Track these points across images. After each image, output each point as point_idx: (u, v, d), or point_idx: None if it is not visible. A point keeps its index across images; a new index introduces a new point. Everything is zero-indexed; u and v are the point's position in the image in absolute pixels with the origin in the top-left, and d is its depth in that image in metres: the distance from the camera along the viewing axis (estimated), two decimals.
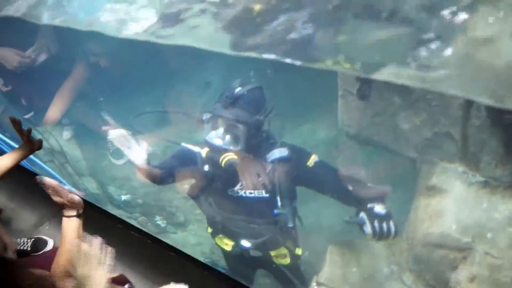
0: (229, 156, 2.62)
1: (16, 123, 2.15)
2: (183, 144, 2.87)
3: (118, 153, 4.82)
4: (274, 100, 2.91)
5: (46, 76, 4.04)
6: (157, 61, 4.32)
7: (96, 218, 2.92)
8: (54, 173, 4.66)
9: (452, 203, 2.37)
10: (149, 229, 4.56)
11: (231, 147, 2.63)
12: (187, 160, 2.87)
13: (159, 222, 4.66)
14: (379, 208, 2.43)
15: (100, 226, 2.53)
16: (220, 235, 3.08)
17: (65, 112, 4.17)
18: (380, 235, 2.36)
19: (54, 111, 4.06)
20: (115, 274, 2.12)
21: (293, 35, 2.31)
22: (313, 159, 2.68)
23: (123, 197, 4.80)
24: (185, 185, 3.13)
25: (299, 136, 3.93)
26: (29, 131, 2.14)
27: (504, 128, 2.38)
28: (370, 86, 2.96)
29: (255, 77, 2.80)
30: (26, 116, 4.59)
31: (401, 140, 2.88)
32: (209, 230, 3.17)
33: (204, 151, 2.75)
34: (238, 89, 2.63)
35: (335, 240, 3.12)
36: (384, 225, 2.37)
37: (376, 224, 2.37)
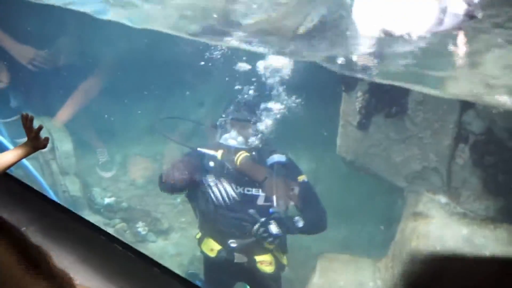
0: (244, 154, 3.01)
1: (28, 120, 2.04)
2: (198, 148, 3.16)
3: (107, 166, 4.91)
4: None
5: (52, 81, 4.09)
6: (158, 72, 4.53)
7: (77, 229, 2.79)
8: (34, 171, 4.56)
9: (437, 228, 2.76)
10: (126, 237, 4.58)
11: (244, 146, 3.05)
12: (197, 162, 3.15)
13: (140, 229, 4.68)
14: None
15: (81, 237, 2.50)
16: (208, 238, 3.24)
17: (75, 114, 4.22)
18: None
19: (65, 112, 4.10)
20: None
21: None
22: (302, 178, 3.10)
23: (107, 200, 4.81)
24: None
25: (296, 156, 4.23)
26: (40, 128, 2.16)
27: (483, 168, 2.83)
28: (369, 120, 3.36)
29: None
30: (9, 120, 4.52)
31: (392, 170, 3.27)
32: (198, 235, 3.34)
33: (219, 153, 3.07)
34: (245, 96, 3.18)
35: (318, 255, 3.38)
36: None
37: None
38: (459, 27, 2.17)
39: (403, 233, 2.96)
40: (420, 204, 2.99)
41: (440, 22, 2.12)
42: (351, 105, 3.39)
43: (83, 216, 4.04)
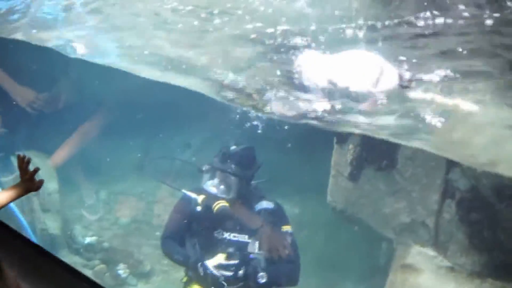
0: (222, 204, 3.07)
1: (24, 162, 2.09)
2: (183, 190, 3.25)
3: (93, 208, 4.82)
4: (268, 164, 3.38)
5: (46, 119, 4.08)
6: (147, 112, 4.59)
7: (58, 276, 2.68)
8: (13, 207, 4.43)
9: (427, 280, 2.84)
10: (105, 280, 4.44)
11: (224, 195, 3.10)
12: (186, 206, 3.22)
13: (120, 272, 4.53)
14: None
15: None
16: (195, 283, 3.18)
17: (71, 156, 4.19)
18: None
19: (63, 153, 4.06)
20: None
21: None
22: (287, 228, 3.18)
23: (88, 239, 4.66)
24: None
25: (286, 202, 4.30)
26: (36, 171, 2.13)
27: (469, 224, 2.97)
28: (360, 171, 3.49)
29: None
30: None
31: (381, 222, 3.37)
32: (184, 279, 3.31)
33: (200, 198, 3.14)
34: (233, 147, 3.16)
35: None
36: None
37: None
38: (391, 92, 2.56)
39: (393, 285, 3.02)
40: (409, 257, 3.08)
41: (377, 85, 2.55)
42: (343, 156, 3.53)
43: (61, 256, 3.92)
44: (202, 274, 3.00)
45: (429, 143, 2.79)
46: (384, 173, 3.34)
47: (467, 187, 2.98)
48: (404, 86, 2.52)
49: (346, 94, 2.71)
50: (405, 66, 2.58)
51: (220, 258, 3.02)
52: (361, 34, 2.65)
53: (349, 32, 2.68)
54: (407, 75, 2.55)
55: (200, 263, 3.01)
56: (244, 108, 3.16)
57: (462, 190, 2.99)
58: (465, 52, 2.48)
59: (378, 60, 2.59)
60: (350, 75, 2.65)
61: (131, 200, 5.01)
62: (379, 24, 2.73)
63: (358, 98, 2.70)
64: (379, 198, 3.37)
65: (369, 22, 2.72)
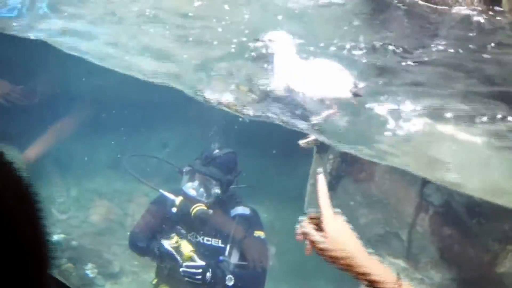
0: (200, 207, 3.04)
1: None
2: (161, 190, 3.21)
3: (63, 206, 4.66)
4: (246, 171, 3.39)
5: (22, 115, 3.93)
6: (125, 110, 4.51)
7: None
8: None
9: None
10: (71, 281, 4.32)
11: (203, 199, 3.08)
12: (161, 207, 3.19)
13: (88, 272, 4.40)
14: None
15: None
16: (165, 286, 3.19)
17: (45, 152, 4.03)
18: None
19: (36, 149, 3.91)
20: None
21: None
22: (259, 233, 3.18)
23: (56, 237, 4.50)
24: None
25: (262, 208, 4.31)
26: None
27: (441, 238, 3.08)
28: (338, 182, 3.55)
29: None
30: None
31: (356, 231, 3.43)
32: (154, 281, 3.28)
33: (178, 199, 3.09)
34: (216, 151, 3.16)
35: None
36: None
37: None
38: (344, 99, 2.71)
39: None
40: None
41: (329, 91, 2.70)
42: (322, 165, 3.58)
43: None
44: (157, 253, 3.02)
45: (403, 161, 2.88)
46: (361, 184, 3.41)
47: (441, 202, 3.10)
48: (356, 94, 2.63)
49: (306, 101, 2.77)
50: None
51: (175, 240, 3.04)
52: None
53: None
54: (360, 84, 2.65)
55: (157, 244, 3.03)
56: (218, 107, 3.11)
57: (436, 205, 3.10)
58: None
59: (334, 67, 2.68)
60: (309, 82, 2.71)
61: (102, 199, 4.89)
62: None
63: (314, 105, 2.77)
64: (356, 208, 3.44)
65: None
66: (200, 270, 2.94)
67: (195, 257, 3.00)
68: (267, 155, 4.31)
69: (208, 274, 2.94)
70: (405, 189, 3.21)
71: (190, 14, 3.40)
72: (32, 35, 3.30)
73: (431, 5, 3.08)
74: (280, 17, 3.21)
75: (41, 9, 3.51)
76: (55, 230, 4.59)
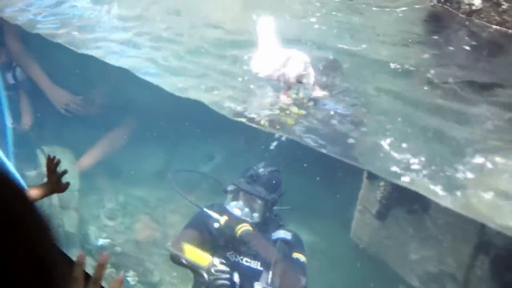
0: (245, 227, 2.94)
1: (53, 163, 1.97)
2: (205, 209, 3.12)
3: (113, 212, 4.77)
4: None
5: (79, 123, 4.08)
6: (172, 121, 4.55)
7: None
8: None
9: None
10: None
11: (248, 219, 2.98)
12: (204, 222, 3.10)
13: (129, 279, 4.46)
14: None
15: None
16: None
17: (99, 161, 4.17)
18: None
19: (89, 158, 4.05)
20: None
21: None
22: (297, 255, 3.02)
23: (101, 241, 4.62)
24: None
25: (300, 226, 4.17)
26: (64, 173, 2.05)
27: (502, 284, 2.78)
28: (389, 211, 3.33)
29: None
30: (11, 125, 4.48)
31: (406, 267, 3.20)
32: None
33: (222, 219, 3.00)
34: (261, 169, 3.09)
35: None
36: None
37: None
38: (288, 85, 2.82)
39: None
40: None
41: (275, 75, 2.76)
42: (372, 192, 3.38)
43: (72, 255, 3.89)
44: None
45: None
46: (415, 216, 3.17)
47: (504, 243, 2.79)
48: (299, 81, 2.70)
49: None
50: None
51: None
52: None
53: None
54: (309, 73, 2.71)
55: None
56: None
57: (498, 247, 2.81)
58: None
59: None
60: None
61: (148, 207, 4.95)
62: None
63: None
64: (406, 242, 3.20)
65: None
66: (227, 276, 2.87)
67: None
68: (312, 173, 4.15)
69: (236, 275, 2.87)
70: (463, 226, 2.93)
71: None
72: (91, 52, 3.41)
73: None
74: None
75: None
76: (101, 235, 4.70)
